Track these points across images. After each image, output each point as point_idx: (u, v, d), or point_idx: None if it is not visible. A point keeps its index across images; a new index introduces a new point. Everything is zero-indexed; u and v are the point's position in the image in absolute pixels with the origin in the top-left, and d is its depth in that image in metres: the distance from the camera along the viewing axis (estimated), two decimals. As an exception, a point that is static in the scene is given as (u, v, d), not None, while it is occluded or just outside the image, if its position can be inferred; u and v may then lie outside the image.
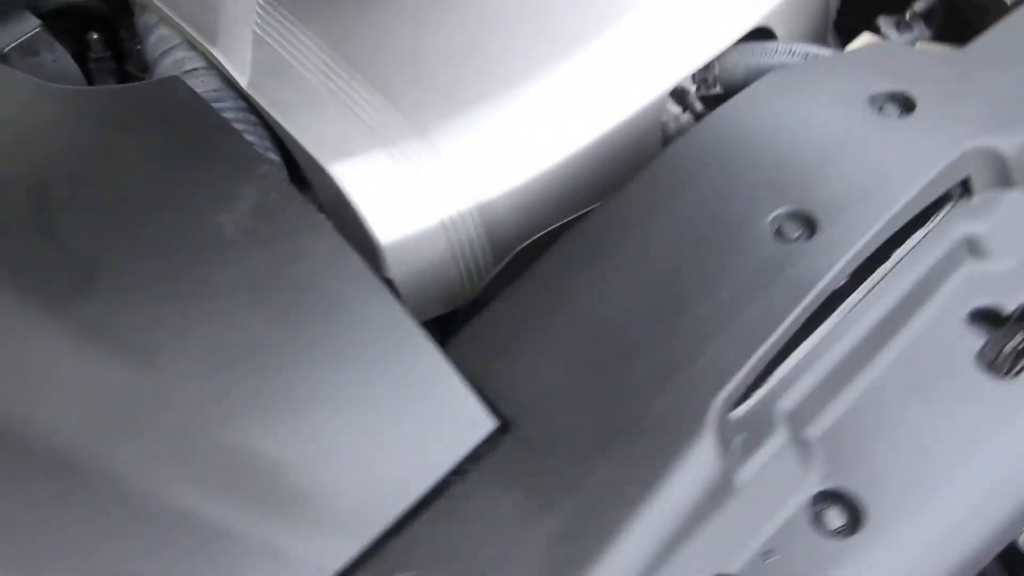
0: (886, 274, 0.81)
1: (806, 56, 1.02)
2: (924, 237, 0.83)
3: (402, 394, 0.73)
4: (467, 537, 0.68)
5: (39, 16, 1.05)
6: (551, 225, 0.90)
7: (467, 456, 0.71)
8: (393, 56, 0.93)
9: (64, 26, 1.09)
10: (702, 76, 1.02)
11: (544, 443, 0.72)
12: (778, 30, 1.07)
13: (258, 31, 0.94)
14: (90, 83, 1.06)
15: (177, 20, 0.95)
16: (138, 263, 0.77)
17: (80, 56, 1.11)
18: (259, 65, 0.91)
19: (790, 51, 1.02)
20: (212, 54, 0.92)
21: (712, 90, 1.03)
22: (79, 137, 0.83)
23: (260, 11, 0.95)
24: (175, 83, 0.86)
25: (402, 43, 0.93)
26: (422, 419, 0.72)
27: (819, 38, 1.17)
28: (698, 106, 0.99)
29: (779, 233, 0.79)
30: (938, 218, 0.84)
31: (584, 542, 0.66)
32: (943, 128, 0.86)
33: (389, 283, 0.89)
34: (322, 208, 0.90)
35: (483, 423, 0.72)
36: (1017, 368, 0.77)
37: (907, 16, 1.05)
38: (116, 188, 0.79)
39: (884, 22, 1.06)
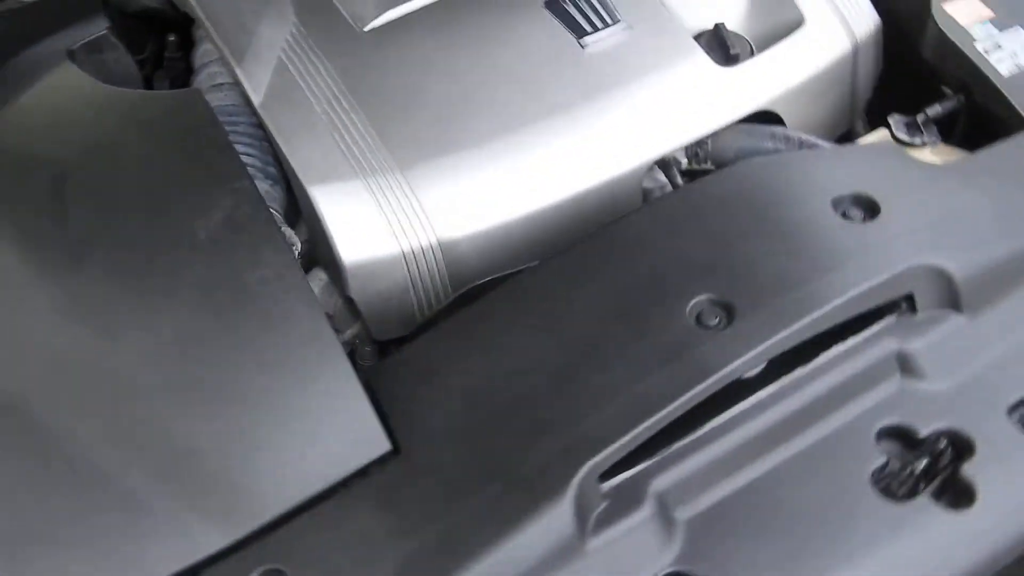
0: (806, 374, 0.82)
1: (800, 145, 1.04)
2: (855, 345, 0.83)
3: (311, 405, 0.80)
4: (333, 544, 0.74)
5: (123, 15, 1.19)
6: (512, 270, 0.96)
7: (356, 471, 0.78)
8: (395, 98, 1.00)
9: (145, 27, 1.23)
10: (694, 150, 1.05)
11: (426, 473, 0.77)
12: (786, 116, 1.09)
13: (283, 57, 1.03)
14: (148, 84, 1.19)
15: (215, 37, 1.06)
16: (120, 251, 0.87)
17: (159, 54, 1.24)
18: (274, 87, 1.01)
19: (786, 138, 1.04)
20: (236, 72, 1.02)
21: (703, 165, 1.05)
22: (101, 133, 0.95)
23: (290, 39, 1.05)
24: (195, 96, 0.97)
25: (406, 87, 1.01)
26: (323, 431, 0.79)
27: (841, 125, 1.17)
28: (679, 180, 1.02)
29: (698, 318, 0.81)
30: (873, 329, 0.84)
31: (430, 572, 0.71)
32: (899, 240, 0.86)
33: (350, 301, 0.97)
34: (308, 224, 0.99)
35: (378, 444, 0.78)
36: (911, 494, 0.77)
37: (919, 119, 1.04)
38: (118, 182, 0.91)
39: (895, 122, 1.06)
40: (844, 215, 0.89)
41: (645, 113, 1.02)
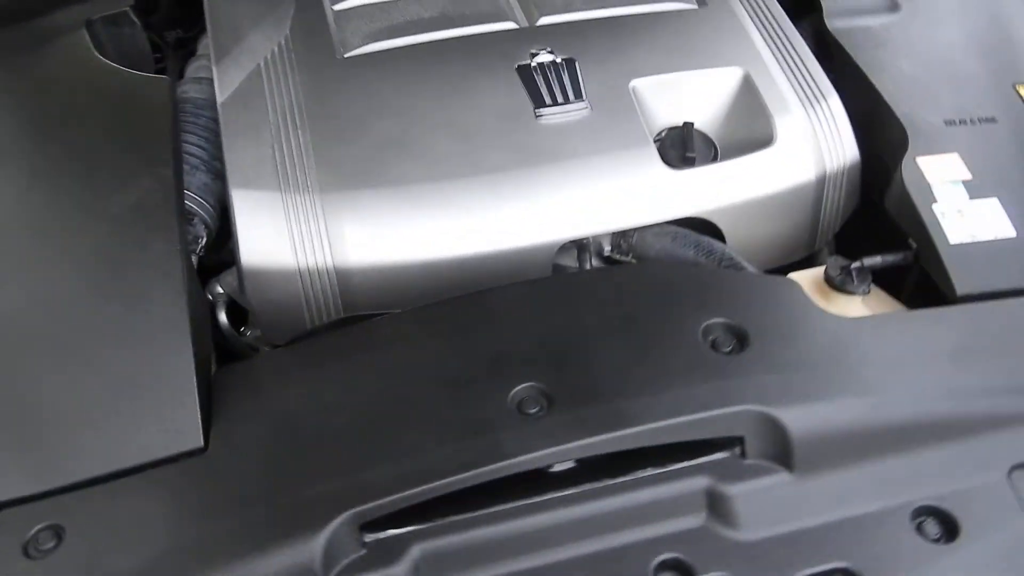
0: (609, 486, 0.81)
1: (720, 262, 1.02)
2: (670, 472, 0.81)
3: (144, 387, 0.85)
4: (116, 517, 0.78)
5: None
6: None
7: (166, 457, 0.82)
8: (344, 125, 1.05)
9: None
10: (618, 240, 1.05)
11: (217, 477, 0.81)
12: (728, 229, 1.07)
13: (261, 65, 1.10)
14: (160, 59, 1.29)
15: (209, 34, 1.14)
16: (33, 204, 0.96)
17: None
18: (241, 91, 1.08)
19: (709, 251, 1.02)
20: (213, 69, 1.10)
21: (625, 257, 1.05)
22: (67, 100, 1.05)
23: (276, 50, 1.12)
24: (160, 83, 1.05)
25: (357, 118, 1.05)
26: (147, 413, 0.84)
27: (799, 251, 1.14)
28: (588, 264, 1.02)
29: (520, 404, 0.81)
30: (693, 462, 0.82)
31: (174, 568, 0.75)
32: (750, 381, 0.84)
33: (235, 304, 1.02)
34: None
35: (192, 439, 0.82)
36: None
37: (854, 266, 1.00)
38: (58, 145, 1.00)
39: (831, 263, 1.02)
40: (713, 342, 0.87)
41: (574, 193, 1.02)
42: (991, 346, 0.90)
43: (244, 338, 1.08)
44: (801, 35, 1.22)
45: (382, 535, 0.77)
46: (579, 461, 0.82)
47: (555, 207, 1.02)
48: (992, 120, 1.11)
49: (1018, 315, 0.93)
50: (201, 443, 0.82)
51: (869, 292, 1.01)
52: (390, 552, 0.77)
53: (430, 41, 1.14)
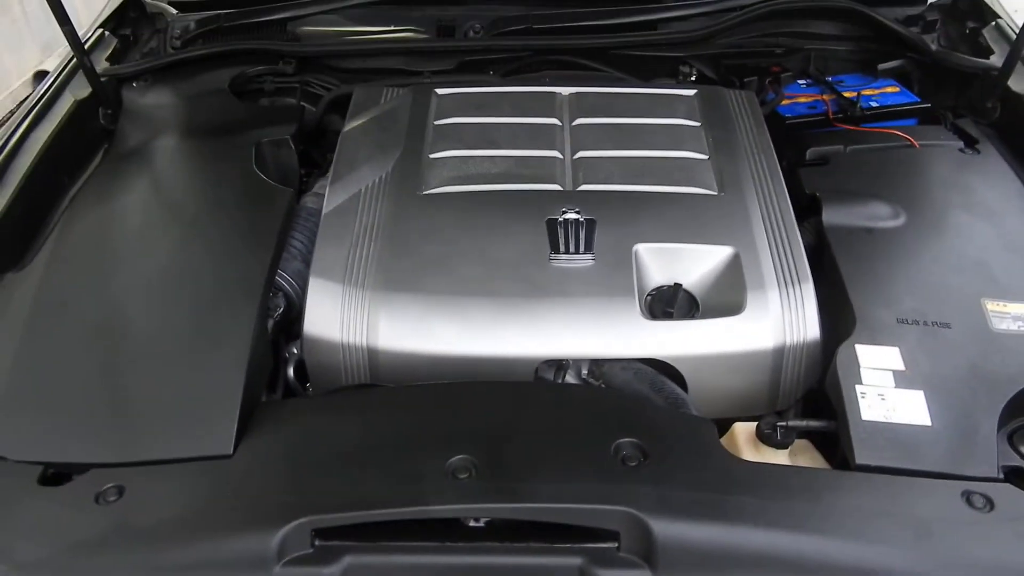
0: (505, 547, 1.02)
1: (667, 398, 1.22)
2: (554, 547, 1.02)
3: (202, 399, 1.17)
4: (157, 490, 1.10)
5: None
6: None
7: (202, 455, 1.13)
8: (406, 244, 1.38)
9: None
10: (592, 367, 1.28)
11: (231, 477, 1.10)
12: (689, 375, 1.28)
13: (362, 191, 1.46)
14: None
15: (333, 162, 1.53)
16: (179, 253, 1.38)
17: None
18: (340, 208, 1.44)
19: (660, 389, 1.23)
20: (327, 189, 1.48)
21: (595, 381, 1.28)
22: (225, 192, 1.48)
23: (376, 181, 1.48)
24: (286, 193, 1.46)
25: (417, 240, 1.38)
26: (200, 420, 1.16)
27: (759, 407, 1.31)
28: (559, 379, 1.26)
29: (454, 471, 1.06)
30: (576, 543, 1.02)
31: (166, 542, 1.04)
32: (634, 485, 1.04)
33: (303, 363, 1.34)
34: None
35: (224, 447, 1.13)
36: None
37: (779, 425, 1.17)
38: (210, 221, 1.41)
39: (765, 420, 1.19)
40: (623, 457, 1.08)
41: (562, 323, 1.28)
42: (859, 511, 1.04)
43: (305, 390, 1.40)
44: (806, 227, 1.44)
45: (327, 543, 1.03)
46: (490, 522, 1.05)
47: (544, 331, 1.28)
48: (946, 325, 1.26)
49: (897, 493, 1.06)
50: (230, 452, 1.13)
51: (788, 448, 1.18)
52: (329, 556, 1.02)
53: (489, 191, 1.46)
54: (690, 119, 1.63)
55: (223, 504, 1.08)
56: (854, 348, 1.22)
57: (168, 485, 1.11)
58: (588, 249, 1.36)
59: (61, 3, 1.53)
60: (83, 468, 1.12)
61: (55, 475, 1.13)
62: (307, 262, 1.43)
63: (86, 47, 1.76)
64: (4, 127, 1.66)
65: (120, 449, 1.14)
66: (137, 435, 1.16)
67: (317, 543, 1.03)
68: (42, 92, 1.72)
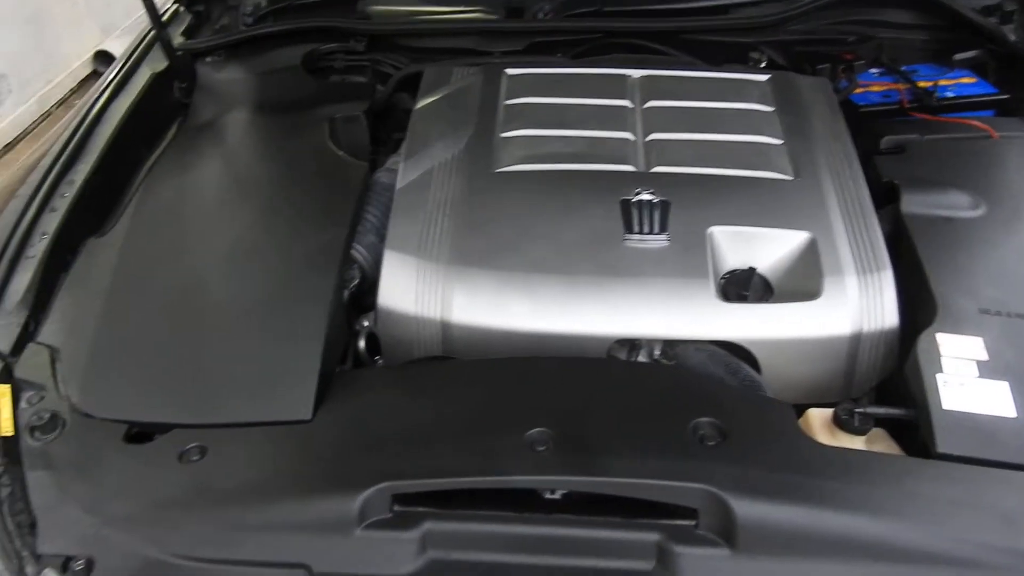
0: (585, 520, 1.03)
1: (742, 381, 1.22)
2: (632, 522, 1.02)
3: (283, 366, 1.19)
4: (238, 452, 1.12)
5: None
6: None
7: (283, 420, 1.15)
8: (479, 220, 1.38)
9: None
10: (665, 348, 1.28)
11: (309, 441, 1.12)
12: (762, 358, 1.27)
13: (435, 167, 1.47)
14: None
15: (406, 139, 1.53)
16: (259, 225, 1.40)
17: None
18: (414, 183, 1.45)
19: (735, 372, 1.23)
20: (400, 165, 1.49)
21: (668, 362, 1.27)
22: (302, 166, 1.51)
23: (448, 159, 1.48)
24: (361, 168, 1.47)
25: (490, 217, 1.38)
26: (280, 386, 1.17)
27: (832, 393, 1.30)
28: (633, 359, 1.25)
29: (532, 442, 1.06)
30: (652, 519, 1.02)
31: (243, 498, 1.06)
32: (711, 465, 1.04)
33: (374, 336, 1.35)
34: None
35: (304, 412, 1.15)
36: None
37: (857, 411, 1.16)
38: (287, 196, 1.44)
39: (842, 407, 1.18)
40: (701, 436, 1.08)
41: (635, 303, 1.28)
42: (939, 500, 1.03)
43: (374, 362, 1.42)
44: (882, 215, 1.42)
45: (406, 508, 1.04)
46: (568, 494, 1.05)
47: (618, 310, 1.28)
48: (1031, 318, 1.24)
49: (980, 483, 1.05)
50: (309, 416, 1.15)
51: (865, 435, 1.17)
52: (408, 521, 1.04)
53: (563, 170, 1.46)
54: (764, 104, 1.61)
55: (304, 467, 1.10)
56: (935, 337, 1.20)
57: (248, 447, 1.13)
58: (662, 230, 1.35)
59: None
60: (166, 428, 1.15)
61: (139, 434, 1.16)
62: (380, 236, 1.44)
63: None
64: (85, 98, 1.69)
65: (201, 411, 1.16)
66: (218, 398, 1.18)
67: (396, 508, 1.05)
68: (120, 65, 1.75)
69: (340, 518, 1.03)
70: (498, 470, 1.04)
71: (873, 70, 1.85)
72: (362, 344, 1.39)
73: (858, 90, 1.77)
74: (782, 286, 1.34)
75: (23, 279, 1.31)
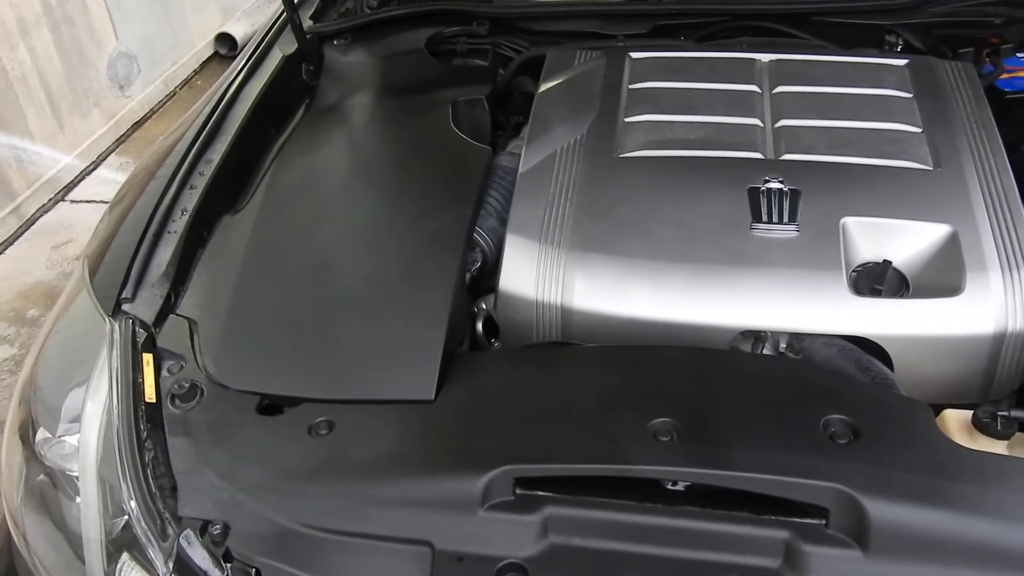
0: (712, 514, 1.01)
1: (874, 378, 1.17)
2: (760, 518, 1.00)
3: (408, 346, 1.21)
4: (363, 427, 1.14)
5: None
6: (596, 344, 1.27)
7: (407, 399, 1.17)
8: (601, 205, 1.37)
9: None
10: (791, 341, 1.24)
11: (432, 421, 1.14)
12: (896, 356, 1.22)
13: (558, 151, 1.46)
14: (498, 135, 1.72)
15: (529, 124, 1.53)
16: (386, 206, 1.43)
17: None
18: (536, 167, 1.45)
19: (867, 368, 1.18)
20: (523, 149, 1.48)
21: (795, 356, 1.24)
22: (428, 140, 1.55)
23: (571, 143, 1.47)
24: (484, 152, 1.49)
25: (612, 201, 1.37)
26: (405, 366, 1.20)
27: (970, 395, 1.25)
28: (758, 351, 1.22)
29: (655, 432, 1.05)
30: (781, 517, 1.00)
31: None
32: (847, 462, 1.01)
33: (492, 320, 1.36)
34: None
35: (427, 392, 1.17)
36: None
37: (999, 414, 1.10)
38: (412, 178, 1.45)
39: (982, 409, 1.12)
40: (832, 433, 1.05)
41: (763, 294, 1.25)
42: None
43: (491, 345, 1.43)
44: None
45: (528, 492, 1.05)
46: (691, 486, 1.04)
47: (744, 300, 1.25)
48: None
49: None
50: (432, 396, 1.16)
51: (1010, 439, 1.11)
52: (530, 504, 1.04)
53: (688, 156, 1.43)
54: (901, 90, 1.54)
55: (428, 446, 1.12)
56: None
57: (374, 424, 1.15)
58: (792, 219, 1.31)
59: None
60: (296, 401, 1.19)
61: (270, 406, 1.20)
62: (502, 220, 1.45)
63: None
64: (220, 79, 1.76)
65: (330, 386, 1.20)
66: (345, 374, 1.21)
67: (519, 491, 1.05)
68: (253, 48, 1.81)
69: (464, 498, 1.04)
70: (622, 458, 1.03)
71: (1021, 54, 1.74)
72: (480, 327, 1.41)
73: (1004, 75, 1.66)
74: (919, 281, 1.28)
75: (165, 253, 1.37)
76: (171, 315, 1.31)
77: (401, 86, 1.74)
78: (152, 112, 4.36)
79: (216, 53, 4.76)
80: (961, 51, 1.73)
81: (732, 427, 1.06)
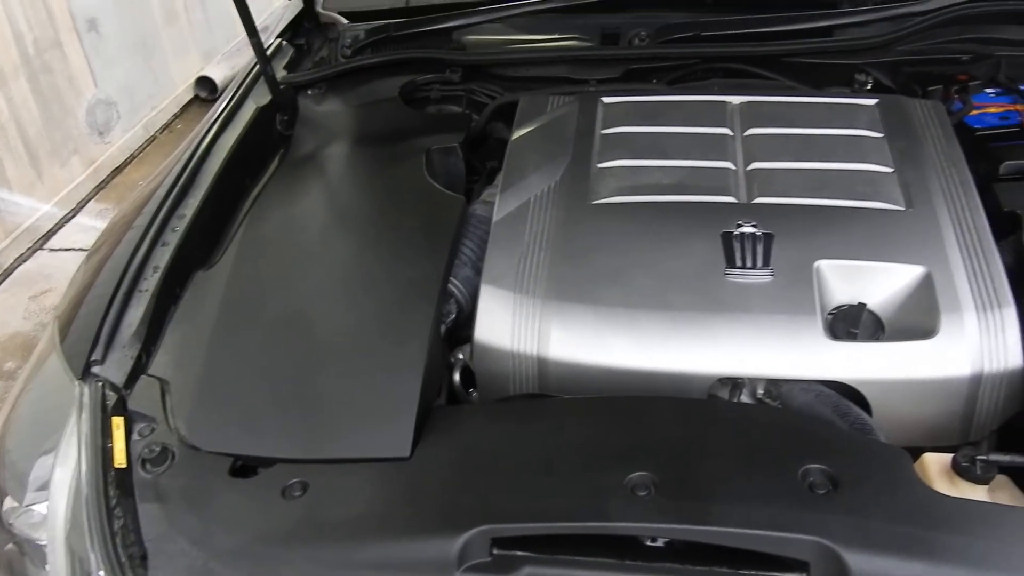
0: (690, 570, 1.00)
1: (852, 424, 1.16)
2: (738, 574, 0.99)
3: (382, 403, 1.19)
4: (336, 489, 1.12)
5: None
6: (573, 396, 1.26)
7: (382, 457, 1.15)
8: (577, 253, 1.36)
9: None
10: (769, 387, 1.23)
11: (404, 481, 1.12)
12: (874, 400, 1.22)
13: (531, 199, 1.46)
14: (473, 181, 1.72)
15: (502, 171, 1.53)
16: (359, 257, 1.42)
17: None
18: (511, 215, 1.44)
19: (844, 414, 1.17)
20: (496, 197, 1.48)
21: (772, 402, 1.23)
22: (399, 199, 1.52)
23: (544, 190, 1.47)
24: (457, 201, 1.48)
25: (587, 250, 1.36)
26: (379, 423, 1.18)
27: (948, 437, 1.24)
28: (736, 398, 1.21)
29: (633, 486, 1.04)
30: (761, 572, 0.98)
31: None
32: (826, 514, 0.99)
33: (469, 370, 1.35)
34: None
35: (403, 449, 1.15)
36: None
37: (978, 459, 1.10)
38: (386, 228, 1.44)
39: (962, 452, 1.12)
40: (811, 483, 1.03)
41: (738, 340, 1.24)
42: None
43: (469, 396, 1.41)
44: (1003, 247, 1.34)
45: (505, 552, 1.03)
46: (670, 542, 1.02)
47: (721, 347, 1.24)
48: None
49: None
50: (408, 454, 1.15)
51: (988, 483, 1.10)
52: (508, 565, 1.02)
53: (662, 202, 1.43)
54: (872, 130, 1.55)
55: (403, 507, 1.10)
56: None
57: (348, 484, 1.13)
58: (766, 264, 1.31)
59: (251, 16, 1.60)
60: (269, 462, 1.17)
61: (243, 467, 1.18)
62: (476, 269, 1.44)
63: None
64: (195, 131, 1.76)
65: (303, 446, 1.18)
66: (319, 433, 1.19)
67: (496, 551, 1.03)
68: (227, 100, 1.81)
69: (440, 560, 1.02)
70: (601, 515, 1.02)
71: (989, 90, 1.76)
72: (457, 378, 1.39)
73: (973, 112, 1.68)
74: (894, 323, 1.28)
75: (136, 313, 1.36)
76: (142, 376, 1.29)
77: (375, 135, 1.74)
78: (132, 157, 4.37)
79: (196, 96, 4.78)
80: (930, 88, 1.75)
81: (710, 479, 1.05)
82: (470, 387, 1.40)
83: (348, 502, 1.12)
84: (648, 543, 1.03)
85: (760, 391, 1.25)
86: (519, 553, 1.03)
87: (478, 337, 1.33)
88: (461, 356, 1.40)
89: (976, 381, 1.21)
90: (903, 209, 1.39)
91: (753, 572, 0.99)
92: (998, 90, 1.75)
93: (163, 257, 1.44)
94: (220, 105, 1.81)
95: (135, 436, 1.21)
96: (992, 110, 1.70)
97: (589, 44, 1.93)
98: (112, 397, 1.24)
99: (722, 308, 1.27)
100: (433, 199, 1.51)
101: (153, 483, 1.15)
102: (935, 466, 1.14)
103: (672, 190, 1.46)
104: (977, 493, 1.11)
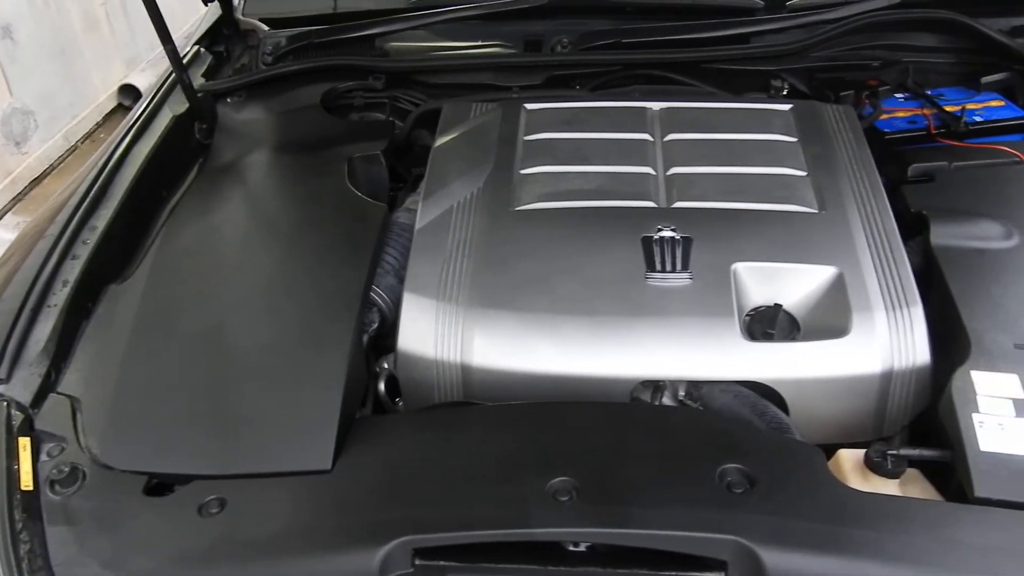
0: (611, 573, 1.00)
1: (769, 423, 1.19)
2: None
3: (302, 415, 1.17)
4: (258, 504, 1.10)
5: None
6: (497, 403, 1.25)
7: (302, 470, 1.13)
8: (499, 260, 1.36)
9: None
10: (690, 389, 1.25)
11: (331, 492, 1.10)
12: (790, 398, 1.24)
13: (454, 206, 1.46)
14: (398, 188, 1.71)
15: (425, 178, 1.52)
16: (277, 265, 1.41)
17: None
18: (433, 223, 1.44)
19: (763, 414, 1.20)
20: (419, 204, 1.47)
21: (693, 403, 1.25)
22: (320, 207, 1.50)
23: (468, 197, 1.47)
24: (380, 209, 1.47)
25: (509, 256, 1.37)
26: (299, 436, 1.16)
27: (862, 433, 1.27)
28: (658, 400, 1.23)
29: (555, 492, 1.04)
30: (681, 573, 0.99)
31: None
32: (743, 513, 1.01)
33: (395, 379, 1.34)
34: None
35: (323, 462, 1.13)
36: None
37: (890, 454, 1.13)
38: (305, 236, 1.42)
39: (874, 448, 1.15)
40: (728, 483, 1.05)
41: (659, 343, 1.25)
42: (982, 548, 0.99)
43: (395, 405, 1.40)
44: (911, 247, 1.39)
45: (428, 562, 1.02)
46: (591, 546, 1.03)
47: (642, 351, 1.25)
48: (1070, 352, 1.20)
49: (1021, 528, 1.01)
50: (329, 466, 1.13)
51: (899, 477, 1.13)
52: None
53: (584, 207, 1.44)
54: (786, 134, 1.59)
55: (324, 520, 1.08)
56: (970, 375, 1.17)
57: (268, 499, 1.11)
58: (685, 267, 1.33)
59: (164, 22, 1.57)
60: (185, 479, 1.14)
61: (159, 485, 1.15)
62: (400, 277, 1.43)
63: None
64: (109, 140, 1.71)
65: (221, 461, 1.15)
66: (237, 448, 1.17)
67: (417, 562, 1.03)
68: (142, 108, 1.76)
69: (361, 573, 1.00)
70: (522, 522, 1.01)
71: (898, 95, 1.82)
72: (382, 387, 1.38)
73: (883, 116, 1.74)
74: (809, 323, 1.31)
75: (44, 329, 1.31)
76: (51, 394, 1.25)
77: (297, 143, 1.72)
78: (52, 168, 4.23)
79: (120, 105, 4.66)
80: (842, 94, 1.80)
81: (630, 483, 1.06)
82: (396, 396, 1.39)
83: (268, 517, 1.09)
84: (571, 548, 1.03)
85: (681, 393, 1.27)
86: (442, 563, 1.02)
87: (401, 346, 1.32)
88: (386, 365, 1.39)
89: (887, 378, 1.24)
90: (816, 212, 1.43)
91: (673, 573, 1.00)
92: (907, 95, 1.82)
93: (73, 271, 1.40)
94: (135, 113, 1.76)
95: (43, 456, 1.17)
96: (901, 114, 1.76)
97: (512, 51, 1.94)
98: (18, 417, 1.20)
99: (643, 312, 1.29)
100: (355, 207, 1.49)
101: (62, 505, 1.11)
102: (849, 462, 1.17)
103: (593, 195, 1.47)
104: (889, 487, 1.14)
